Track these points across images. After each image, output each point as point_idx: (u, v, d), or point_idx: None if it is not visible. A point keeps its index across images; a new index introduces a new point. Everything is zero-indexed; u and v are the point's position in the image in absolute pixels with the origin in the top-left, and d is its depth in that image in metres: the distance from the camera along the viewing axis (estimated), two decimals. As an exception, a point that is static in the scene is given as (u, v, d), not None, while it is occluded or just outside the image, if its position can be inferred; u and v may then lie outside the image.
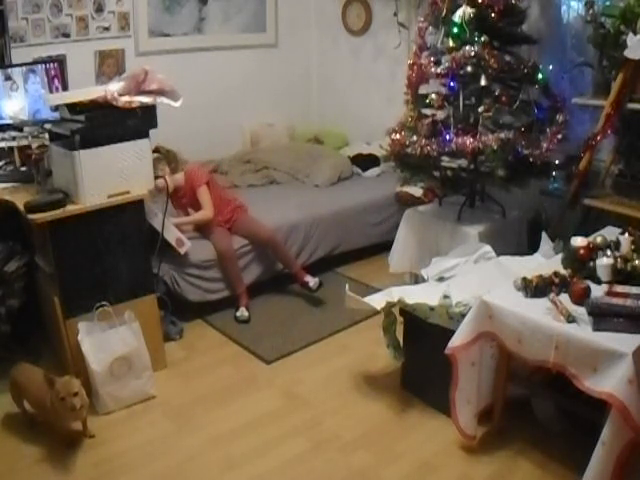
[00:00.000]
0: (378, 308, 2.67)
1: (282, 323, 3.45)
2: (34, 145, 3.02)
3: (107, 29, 4.05)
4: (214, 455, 2.47)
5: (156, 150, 3.41)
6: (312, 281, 3.59)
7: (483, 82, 3.05)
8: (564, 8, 3.62)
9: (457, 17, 3.04)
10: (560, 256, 2.52)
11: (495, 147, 2.95)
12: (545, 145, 3.06)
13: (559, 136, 3.09)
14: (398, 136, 3.25)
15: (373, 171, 4.60)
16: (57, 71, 3.39)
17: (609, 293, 2.19)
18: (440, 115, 3.23)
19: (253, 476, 2.36)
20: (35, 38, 3.73)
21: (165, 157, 3.39)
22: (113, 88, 2.64)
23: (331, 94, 5.25)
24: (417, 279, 3.37)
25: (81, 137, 2.55)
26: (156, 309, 2.98)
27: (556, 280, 2.26)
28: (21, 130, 3.13)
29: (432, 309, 2.55)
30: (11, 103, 3.24)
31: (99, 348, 2.66)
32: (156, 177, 3.31)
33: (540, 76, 3.12)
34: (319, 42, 5.22)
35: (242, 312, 3.47)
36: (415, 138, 3.16)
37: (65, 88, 3.47)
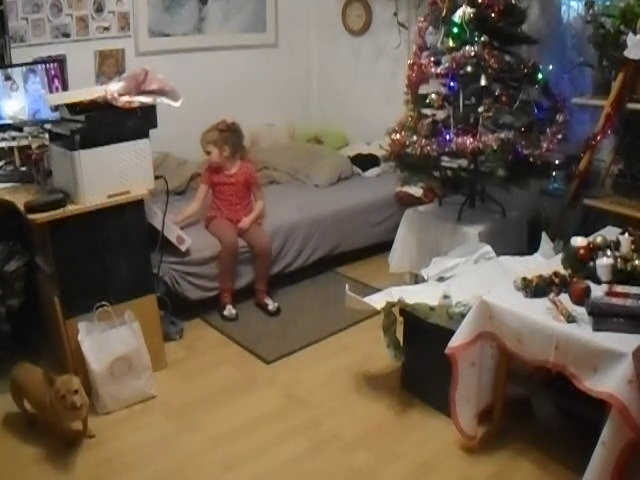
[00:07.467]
0: (378, 308, 2.67)
1: (282, 323, 3.45)
2: (34, 145, 3.02)
3: (107, 29, 4.04)
4: (214, 455, 2.47)
5: (228, 129, 3.56)
6: (271, 304, 3.55)
7: (483, 82, 3.05)
8: (564, 8, 3.62)
9: (457, 17, 3.04)
10: (560, 256, 2.52)
11: (495, 147, 2.95)
12: (545, 145, 3.06)
13: (559, 136, 3.10)
14: (398, 136, 3.25)
15: (373, 171, 4.59)
16: (57, 71, 3.39)
17: (609, 293, 2.19)
18: (440, 115, 3.23)
19: (253, 476, 2.37)
20: (35, 38, 3.72)
21: (231, 142, 3.58)
22: (113, 88, 2.64)
23: (331, 94, 5.24)
24: (417, 279, 3.37)
25: (81, 137, 2.55)
26: (156, 309, 2.98)
27: (556, 280, 2.26)
28: (21, 130, 3.13)
29: (432, 309, 2.55)
30: (11, 103, 3.23)
31: (99, 348, 2.67)
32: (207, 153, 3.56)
33: (540, 76, 3.12)
34: (319, 42, 5.22)
35: (229, 310, 3.50)
36: (415, 138, 3.16)
37: (65, 88, 3.47)
